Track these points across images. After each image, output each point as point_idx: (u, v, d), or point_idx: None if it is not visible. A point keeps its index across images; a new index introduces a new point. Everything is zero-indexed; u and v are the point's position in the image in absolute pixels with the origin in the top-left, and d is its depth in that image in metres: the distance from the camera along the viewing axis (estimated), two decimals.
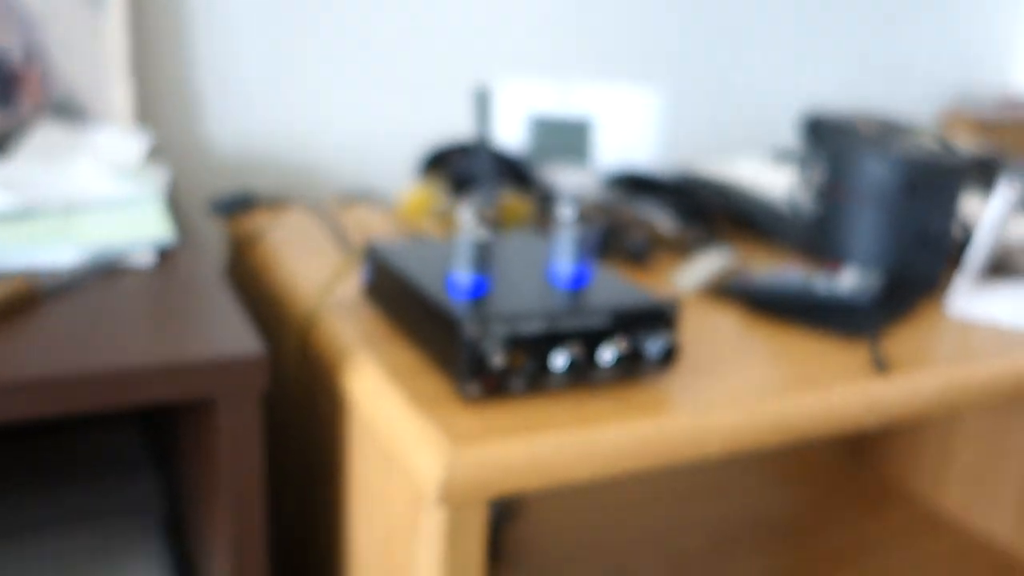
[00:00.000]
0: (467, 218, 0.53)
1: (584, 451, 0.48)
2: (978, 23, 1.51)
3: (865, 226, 0.74)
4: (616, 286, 0.57)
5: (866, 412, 0.58)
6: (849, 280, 0.70)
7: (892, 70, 1.43)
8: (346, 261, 0.64)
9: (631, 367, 0.53)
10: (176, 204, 0.80)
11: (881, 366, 0.59)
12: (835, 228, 0.76)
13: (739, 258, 0.84)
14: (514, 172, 0.90)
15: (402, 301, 0.57)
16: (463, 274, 0.53)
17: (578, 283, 0.56)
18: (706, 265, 0.80)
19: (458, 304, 0.51)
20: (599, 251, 0.77)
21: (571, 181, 0.97)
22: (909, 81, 1.44)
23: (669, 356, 0.53)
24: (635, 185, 0.93)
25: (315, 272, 0.70)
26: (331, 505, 0.64)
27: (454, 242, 0.55)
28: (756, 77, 1.31)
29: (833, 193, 0.76)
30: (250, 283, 0.81)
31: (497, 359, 0.49)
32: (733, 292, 0.71)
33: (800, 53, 1.34)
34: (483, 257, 0.53)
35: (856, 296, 0.67)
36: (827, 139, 0.79)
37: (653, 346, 0.53)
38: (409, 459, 0.47)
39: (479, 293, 0.53)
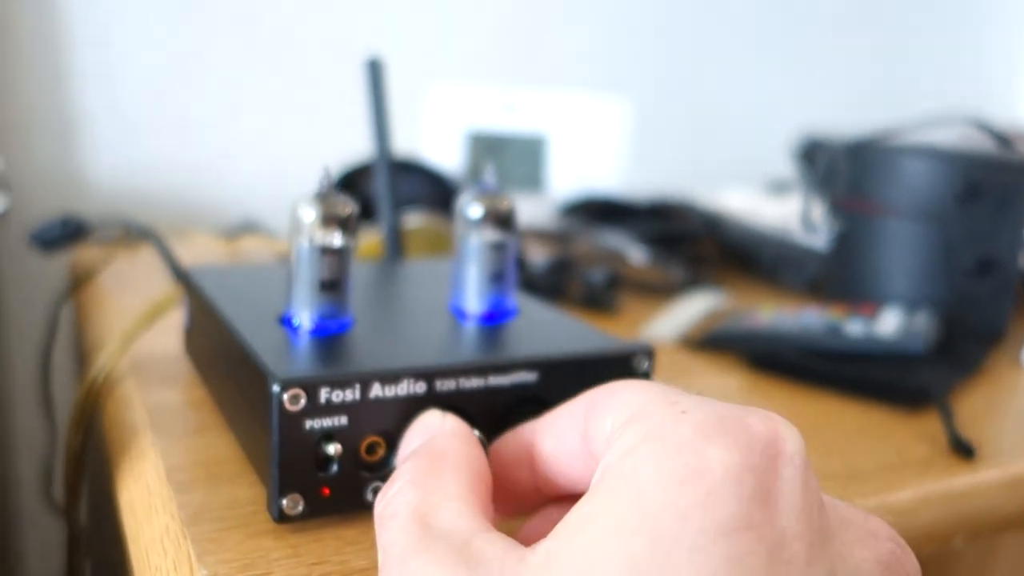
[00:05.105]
0: (309, 217, 0.33)
1: None
2: (987, 51, 1.35)
3: (904, 250, 0.55)
4: (554, 324, 0.36)
5: (944, 520, 0.37)
6: (891, 324, 0.50)
7: (893, 98, 1.25)
8: (167, 298, 0.44)
9: None
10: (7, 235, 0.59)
11: (967, 450, 0.38)
12: (862, 254, 0.57)
13: (733, 302, 0.64)
14: (445, 196, 0.70)
15: (215, 351, 0.36)
16: (306, 304, 0.33)
17: (492, 318, 0.36)
18: (691, 309, 0.59)
19: (281, 349, 0.30)
20: (546, 281, 0.57)
21: (519, 209, 0.77)
22: (912, 112, 1.27)
23: None
24: (599, 212, 0.73)
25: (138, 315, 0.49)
26: None
27: (294, 255, 0.35)
28: (743, 98, 1.13)
29: (857, 206, 0.57)
30: (78, 330, 0.60)
31: (336, 447, 0.28)
32: (728, 342, 0.51)
33: (794, 76, 1.16)
34: (335, 278, 0.33)
35: (906, 345, 0.47)
36: (836, 153, 0.60)
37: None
38: None
39: (325, 332, 0.32)
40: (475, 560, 0.20)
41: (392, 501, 0.23)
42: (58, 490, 0.74)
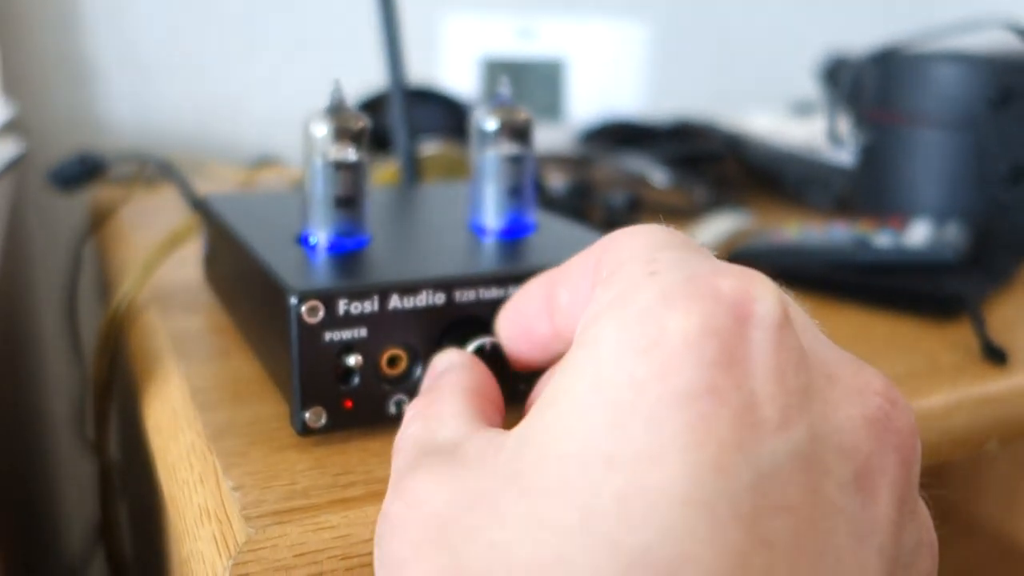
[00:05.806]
0: (321, 132, 0.32)
1: None
2: None
3: (935, 159, 0.53)
4: (574, 238, 0.36)
5: (976, 425, 0.36)
6: (921, 236, 0.49)
7: (920, 19, 1.22)
8: (186, 226, 0.43)
9: None
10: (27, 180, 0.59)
11: (1000, 355, 0.38)
12: (890, 166, 0.55)
13: (758, 223, 0.63)
14: (461, 124, 0.69)
15: (233, 274, 0.36)
16: (322, 222, 0.32)
17: (511, 233, 0.35)
18: (715, 229, 0.58)
19: (298, 265, 0.30)
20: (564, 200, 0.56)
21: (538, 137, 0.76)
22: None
23: None
24: (619, 136, 0.72)
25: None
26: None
27: (308, 173, 0.35)
28: (765, 20, 1.10)
29: (885, 117, 0.55)
30: (101, 266, 0.60)
31: (356, 359, 0.28)
32: (754, 258, 0.50)
33: None
34: (351, 194, 0.32)
35: (936, 255, 0.46)
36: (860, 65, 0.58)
37: None
38: (190, 545, 0.26)
39: (342, 249, 0.32)
40: (460, 461, 0.20)
41: (399, 439, 0.24)
42: (90, 430, 0.75)
